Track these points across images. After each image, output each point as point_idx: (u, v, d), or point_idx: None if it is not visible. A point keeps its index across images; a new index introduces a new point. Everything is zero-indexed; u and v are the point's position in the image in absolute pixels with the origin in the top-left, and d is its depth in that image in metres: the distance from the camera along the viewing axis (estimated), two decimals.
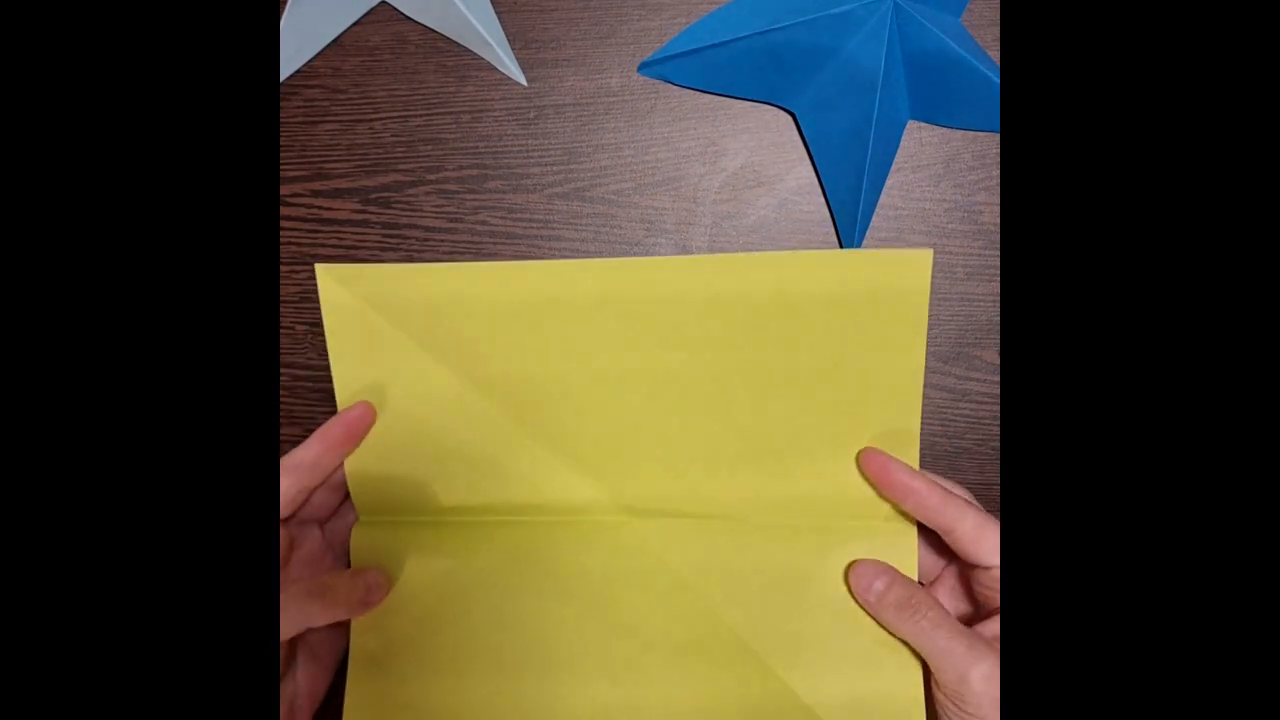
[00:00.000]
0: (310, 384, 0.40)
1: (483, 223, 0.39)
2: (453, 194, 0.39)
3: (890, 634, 0.33)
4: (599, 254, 0.39)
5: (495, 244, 0.39)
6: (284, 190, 0.39)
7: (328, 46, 0.39)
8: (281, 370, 0.40)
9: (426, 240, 0.39)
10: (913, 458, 0.33)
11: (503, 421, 0.35)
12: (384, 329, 0.34)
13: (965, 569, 0.34)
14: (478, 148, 0.39)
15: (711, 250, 0.39)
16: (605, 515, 0.35)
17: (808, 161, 0.38)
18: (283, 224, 0.39)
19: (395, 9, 0.38)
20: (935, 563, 0.35)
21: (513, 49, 0.38)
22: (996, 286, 0.38)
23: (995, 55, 0.37)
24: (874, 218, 0.38)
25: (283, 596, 0.31)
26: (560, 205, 0.39)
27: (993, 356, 0.39)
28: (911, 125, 0.38)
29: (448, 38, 0.39)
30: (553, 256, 0.39)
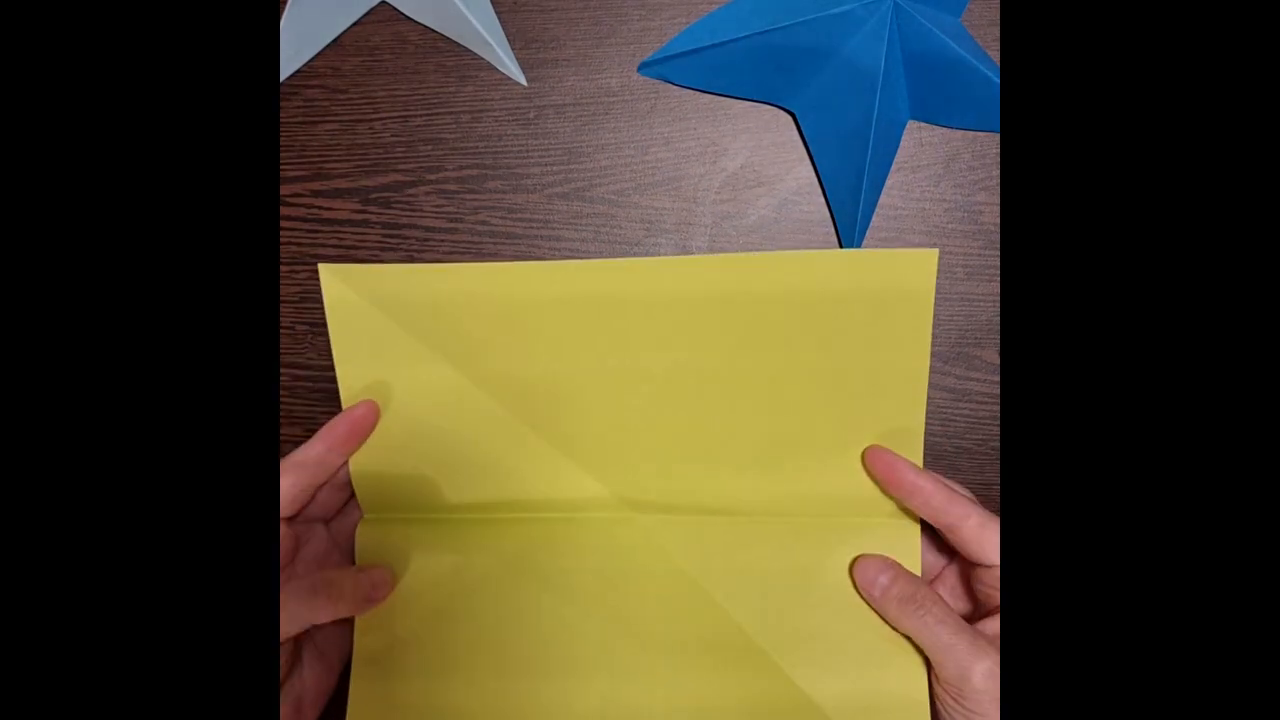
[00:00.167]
0: (310, 384, 0.40)
1: (483, 223, 0.39)
2: (453, 194, 0.39)
3: (894, 630, 0.33)
4: (599, 254, 0.39)
5: (495, 244, 0.39)
6: (284, 190, 0.39)
7: (328, 46, 0.39)
8: (282, 370, 0.40)
9: (426, 240, 0.39)
10: (916, 456, 0.33)
11: (506, 419, 0.35)
12: (387, 327, 0.34)
13: (967, 567, 0.34)
14: (478, 148, 0.39)
15: (712, 250, 0.39)
16: (608, 511, 0.35)
17: (808, 161, 0.39)
18: (283, 224, 0.39)
19: (395, 9, 0.38)
20: (937, 561, 0.35)
21: (513, 49, 0.38)
22: (996, 286, 0.38)
23: (995, 55, 0.37)
24: (874, 218, 0.38)
25: (286, 593, 0.31)
26: (560, 205, 0.39)
27: (993, 356, 0.39)
28: (911, 125, 0.38)
29: (448, 38, 0.39)
30: (553, 257, 0.39)
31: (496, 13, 0.38)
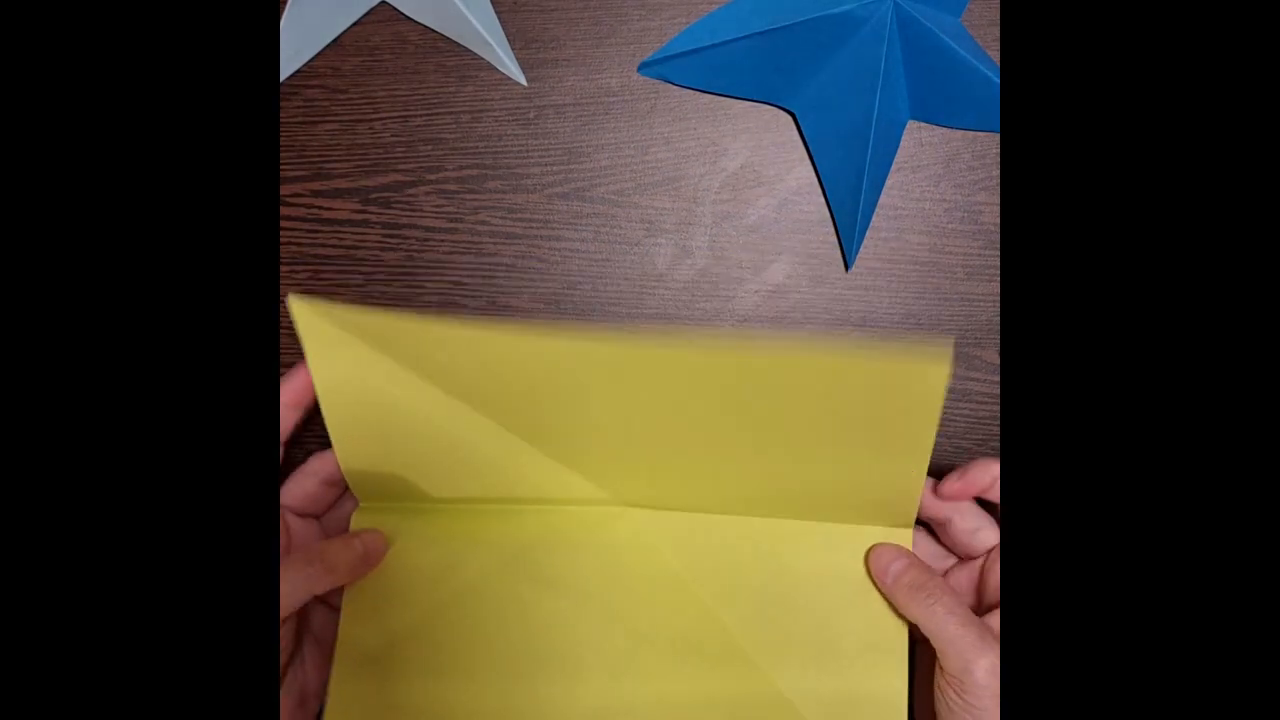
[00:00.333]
0: None
1: (483, 223, 0.39)
2: (453, 194, 0.39)
3: (881, 635, 0.33)
4: (599, 254, 0.39)
5: (495, 244, 0.39)
6: (284, 190, 0.39)
7: (328, 46, 0.39)
8: (281, 369, 0.40)
9: (426, 240, 0.39)
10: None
11: (497, 425, 0.34)
12: (367, 353, 0.32)
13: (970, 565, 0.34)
14: (478, 148, 0.39)
15: (711, 251, 0.39)
16: (601, 505, 0.35)
17: (808, 161, 0.38)
18: (283, 224, 0.39)
19: (395, 9, 0.38)
20: (940, 560, 0.36)
21: (513, 49, 0.38)
22: (996, 286, 0.38)
23: (995, 55, 0.37)
24: (874, 218, 0.38)
25: (283, 568, 0.30)
26: (560, 205, 0.39)
27: (993, 356, 0.39)
28: (911, 125, 0.38)
29: (448, 38, 0.39)
30: (553, 256, 0.39)
31: (496, 13, 0.38)
